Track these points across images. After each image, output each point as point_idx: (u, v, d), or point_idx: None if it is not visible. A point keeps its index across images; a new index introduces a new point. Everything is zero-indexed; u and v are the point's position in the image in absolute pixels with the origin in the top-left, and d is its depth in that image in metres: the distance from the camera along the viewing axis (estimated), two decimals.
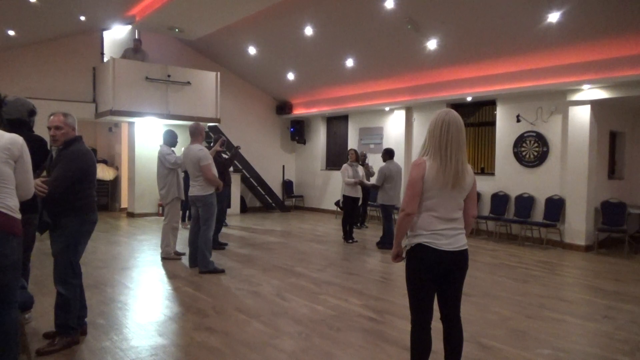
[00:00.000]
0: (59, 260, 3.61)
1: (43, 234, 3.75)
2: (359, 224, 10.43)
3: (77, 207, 3.57)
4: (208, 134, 8.26)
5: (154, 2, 9.70)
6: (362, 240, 8.85)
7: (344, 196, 8.49)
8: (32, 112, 3.98)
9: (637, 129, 9.40)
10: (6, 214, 2.68)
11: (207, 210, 6.10)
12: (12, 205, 2.73)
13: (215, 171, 6.21)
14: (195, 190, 6.12)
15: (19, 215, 2.78)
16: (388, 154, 8.20)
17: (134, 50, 11.27)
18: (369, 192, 10.19)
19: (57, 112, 3.68)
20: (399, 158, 10.93)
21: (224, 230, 9.85)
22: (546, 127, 8.81)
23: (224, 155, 8.27)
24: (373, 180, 8.96)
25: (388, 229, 8.04)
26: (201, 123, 6.63)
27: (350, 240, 8.53)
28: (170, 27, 10.79)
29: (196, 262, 6.21)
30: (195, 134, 6.23)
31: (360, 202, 9.03)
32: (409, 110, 11.22)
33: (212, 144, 7.53)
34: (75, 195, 3.55)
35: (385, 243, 8.04)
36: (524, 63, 8.40)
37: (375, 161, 10.71)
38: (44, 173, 3.69)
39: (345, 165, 8.56)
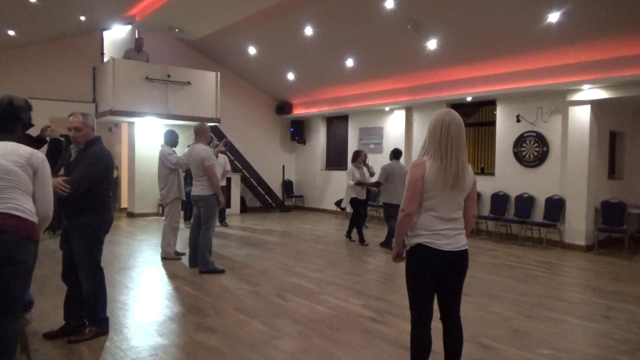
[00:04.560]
0: (83, 259, 3.66)
1: (42, 234, 3.74)
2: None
3: (94, 207, 3.62)
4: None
5: (154, 2, 9.70)
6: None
7: (352, 198, 8.36)
8: (21, 109, 3.81)
9: (637, 129, 9.40)
10: (22, 218, 2.56)
11: (208, 210, 6.10)
12: (28, 208, 2.62)
13: (219, 172, 6.20)
14: (198, 189, 6.12)
15: (35, 219, 2.67)
16: (393, 154, 8.17)
17: (136, 50, 11.28)
18: (370, 192, 10.17)
19: (76, 112, 3.67)
20: None
21: (224, 230, 9.86)
22: (546, 127, 8.81)
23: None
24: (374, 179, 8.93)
25: (391, 228, 8.02)
26: (199, 123, 6.61)
27: (353, 240, 8.48)
28: (170, 27, 10.80)
29: (196, 262, 6.21)
30: (199, 134, 6.23)
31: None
32: (409, 110, 11.23)
33: (209, 145, 7.50)
34: (93, 195, 3.60)
35: (390, 242, 8.05)
36: (524, 63, 8.40)
37: (376, 161, 10.73)
38: (61, 171, 3.68)
39: (351, 167, 8.43)
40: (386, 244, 8.12)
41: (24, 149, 2.70)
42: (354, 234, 8.70)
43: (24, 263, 2.54)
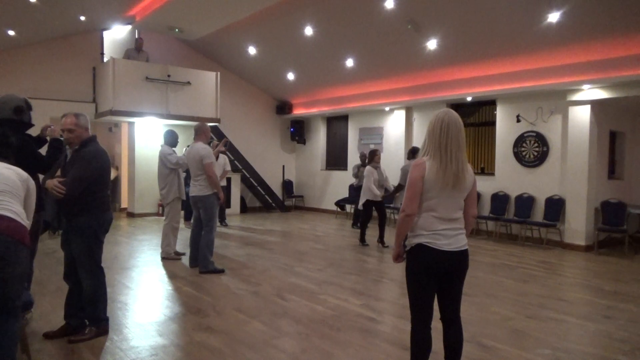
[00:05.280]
0: (83, 259, 3.65)
1: (42, 234, 3.74)
2: (359, 224, 10.38)
3: (92, 207, 3.61)
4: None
5: (154, 2, 9.70)
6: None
7: (367, 200, 8.10)
8: (19, 109, 3.70)
9: (637, 129, 9.40)
10: (16, 220, 2.59)
11: (208, 212, 6.06)
12: (21, 212, 2.66)
13: (218, 172, 6.16)
14: (196, 190, 6.08)
15: (27, 224, 2.70)
16: (411, 153, 8.00)
17: (136, 50, 11.28)
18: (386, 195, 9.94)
19: (68, 113, 3.64)
20: (399, 158, 10.96)
21: (224, 230, 9.86)
22: (546, 127, 8.81)
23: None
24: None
25: None
26: (198, 123, 6.59)
27: (367, 244, 8.26)
28: (170, 27, 10.79)
29: (196, 262, 6.20)
30: (199, 133, 6.19)
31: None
32: (409, 110, 11.23)
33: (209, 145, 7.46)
34: (91, 195, 3.59)
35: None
36: (524, 63, 8.40)
37: None
38: (58, 173, 3.68)
39: (369, 168, 8.13)
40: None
41: (23, 172, 2.84)
42: (349, 233, 8.70)
43: (15, 266, 2.53)
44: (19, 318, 2.71)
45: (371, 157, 8.28)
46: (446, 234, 2.62)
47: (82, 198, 3.53)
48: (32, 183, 2.87)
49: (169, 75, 10.91)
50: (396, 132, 11.41)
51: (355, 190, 10.35)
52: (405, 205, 2.63)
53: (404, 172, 7.78)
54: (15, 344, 2.66)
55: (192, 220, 6.61)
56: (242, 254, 7.34)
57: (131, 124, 11.64)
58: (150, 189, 11.24)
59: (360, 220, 8.60)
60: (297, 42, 10.44)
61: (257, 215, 12.54)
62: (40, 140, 4.16)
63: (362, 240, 8.35)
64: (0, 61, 10.21)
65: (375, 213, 8.34)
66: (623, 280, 6.21)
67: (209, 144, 7.21)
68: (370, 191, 8.03)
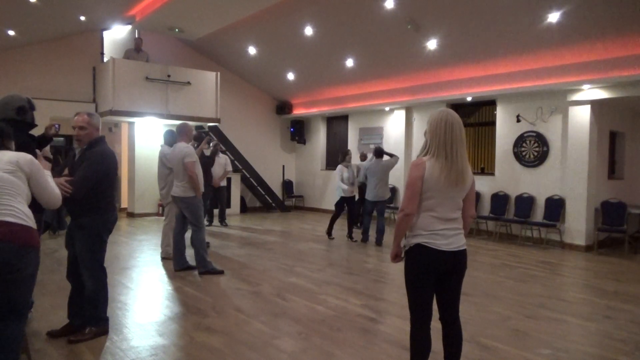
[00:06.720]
0: (86, 259, 3.65)
1: (43, 234, 3.74)
2: (358, 224, 10.41)
3: (97, 206, 3.61)
4: (201, 134, 8.13)
5: (154, 2, 9.70)
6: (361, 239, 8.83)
7: (341, 197, 8.67)
8: (21, 109, 3.65)
9: (637, 129, 9.40)
10: (18, 224, 2.53)
11: (193, 212, 5.95)
12: (24, 212, 2.59)
13: (200, 171, 6.06)
14: (178, 190, 5.94)
15: (32, 224, 2.64)
16: (377, 153, 8.45)
17: (135, 50, 11.28)
18: (364, 191, 10.17)
19: (81, 111, 3.68)
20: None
21: (224, 230, 9.86)
22: (546, 127, 8.81)
23: (206, 154, 8.17)
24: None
25: (366, 223, 8.53)
26: (199, 123, 6.55)
27: (355, 240, 8.62)
28: (170, 27, 10.80)
29: (180, 265, 6.13)
30: (181, 133, 6.09)
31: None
32: (409, 110, 11.23)
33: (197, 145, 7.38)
34: (96, 195, 3.59)
35: (366, 238, 8.54)
36: (524, 63, 8.40)
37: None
38: (65, 171, 3.68)
39: (340, 167, 8.65)
40: (363, 239, 8.56)
41: (8, 155, 2.67)
42: (356, 234, 8.73)
43: (22, 270, 2.51)
44: (23, 320, 2.71)
45: (343, 157, 8.87)
46: (445, 234, 2.62)
47: (88, 198, 3.53)
48: (25, 162, 2.68)
49: (169, 75, 10.91)
50: (396, 132, 11.41)
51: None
52: (404, 205, 2.63)
53: (363, 169, 8.13)
54: (19, 344, 2.67)
55: (175, 221, 6.38)
56: (242, 254, 7.34)
57: (131, 124, 11.64)
58: (150, 189, 11.24)
59: (332, 215, 9.02)
60: (297, 42, 10.44)
61: (257, 215, 12.54)
62: (43, 140, 4.16)
63: (329, 233, 8.84)
64: (1, 61, 10.21)
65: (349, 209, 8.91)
66: (623, 280, 6.21)
67: (198, 144, 7.23)
68: (339, 188, 8.65)
